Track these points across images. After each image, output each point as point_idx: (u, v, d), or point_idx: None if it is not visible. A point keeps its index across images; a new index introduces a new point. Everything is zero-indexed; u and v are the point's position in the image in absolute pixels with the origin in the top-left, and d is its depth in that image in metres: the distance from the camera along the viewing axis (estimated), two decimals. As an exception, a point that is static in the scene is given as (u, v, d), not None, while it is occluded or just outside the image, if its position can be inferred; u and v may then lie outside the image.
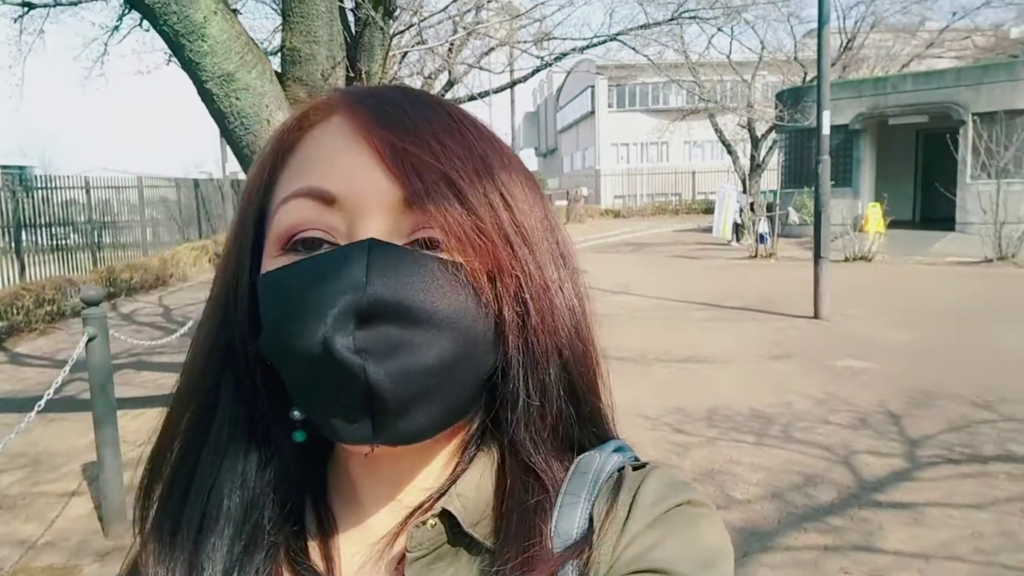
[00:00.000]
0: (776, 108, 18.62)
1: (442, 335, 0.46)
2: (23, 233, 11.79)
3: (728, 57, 20.46)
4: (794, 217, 17.28)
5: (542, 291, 0.51)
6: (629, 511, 0.49)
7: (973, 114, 15.85)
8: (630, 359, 6.76)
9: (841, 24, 21.97)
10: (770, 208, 15.64)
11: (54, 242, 12.65)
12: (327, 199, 0.48)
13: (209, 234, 18.55)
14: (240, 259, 0.53)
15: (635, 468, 0.53)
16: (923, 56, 23.77)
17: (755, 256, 14.85)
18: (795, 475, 4.13)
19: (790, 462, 4.33)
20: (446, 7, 7.08)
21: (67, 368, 3.74)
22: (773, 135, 20.40)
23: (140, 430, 5.24)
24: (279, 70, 3.83)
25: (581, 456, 0.54)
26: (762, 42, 20.91)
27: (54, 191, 12.91)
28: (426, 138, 0.49)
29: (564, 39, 9.92)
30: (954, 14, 24.39)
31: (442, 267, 0.47)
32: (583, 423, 0.55)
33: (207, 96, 3.15)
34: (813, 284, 8.60)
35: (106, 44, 6.93)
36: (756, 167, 21.15)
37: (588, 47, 9.92)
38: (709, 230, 18.63)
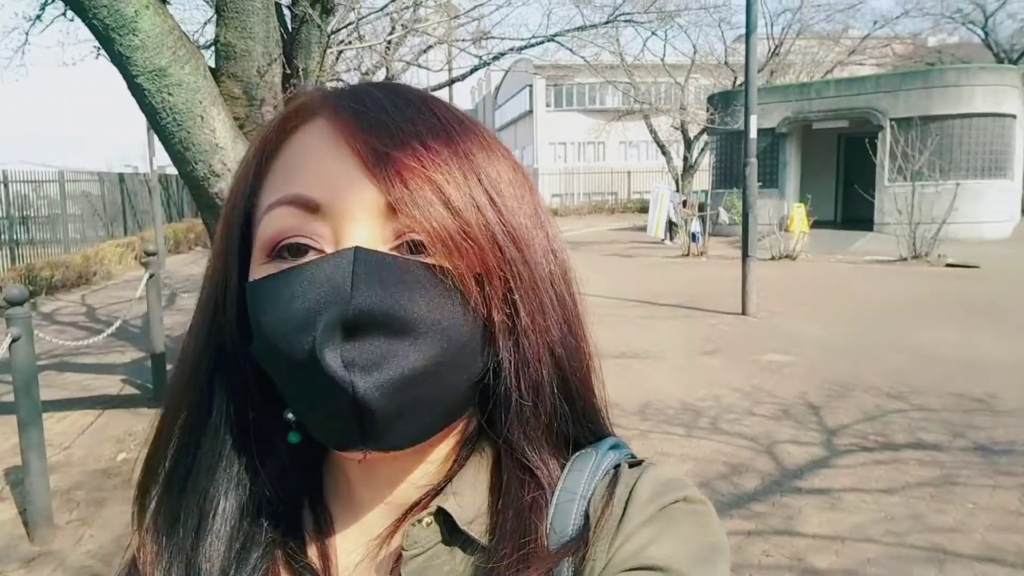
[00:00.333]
0: (707, 111, 19.15)
1: (429, 342, 0.46)
2: (-67, 229, 11.20)
3: (662, 60, 20.92)
4: (724, 217, 17.79)
5: (532, 291, 0.50)
6: (625, 508, 0.49)
7: (891, 119, 16.64)
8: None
9: (769, 31, 22.72)
10: (702, 208, 16.08)
11: (-32, 238, 12.05)
12: (311, 207, 0.48)
13: (135, 230, 17.96)
14: (228, 263, 0.53)
15: (631, 465, 0.53)
16: (846, 63, 24.81)
17: (687, 254, 15.25)
18: (722, 465, 4.31)
19: (717, 452, 4.51)
20: (384, 6, 7.06)
21: (-12, 369, 3.61)
22: (705, 137, 20.96)
23: (66, 433, 5.08)
24: (213, 65, 3.78)
25: (577, 454, 0.54)
26: (694, 46, 21.50)
27: (-33, 185, 12.30)
28: (410, 141, 0.48)
29: (502, 39, 10.02)
30: (875, 23, 25.45)
31: (428, 272, 0.47)
32: (577, 420, 0.55)
33: (138, 92, 3.09)
34: (741, 282, 8.91)
35: (27, 34, 6.64)
36: (689, 168, 21.69)
37: (526, 47, 10.04)
38: (644, 229, 19.03)
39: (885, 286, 10.97)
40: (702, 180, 22.84)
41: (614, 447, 0.55)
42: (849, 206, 19.50)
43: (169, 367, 6.20)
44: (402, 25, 7.25)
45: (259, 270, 0.50)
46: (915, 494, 3.89)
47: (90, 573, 3.32)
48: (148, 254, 6.20)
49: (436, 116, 0.51)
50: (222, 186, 3.38)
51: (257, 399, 0.54)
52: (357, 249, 0.46)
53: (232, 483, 0.53)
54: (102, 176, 17.53)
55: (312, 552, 0.54)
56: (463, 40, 9.81)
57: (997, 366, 6.28)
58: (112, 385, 6.42)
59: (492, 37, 9.72)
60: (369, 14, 6.85)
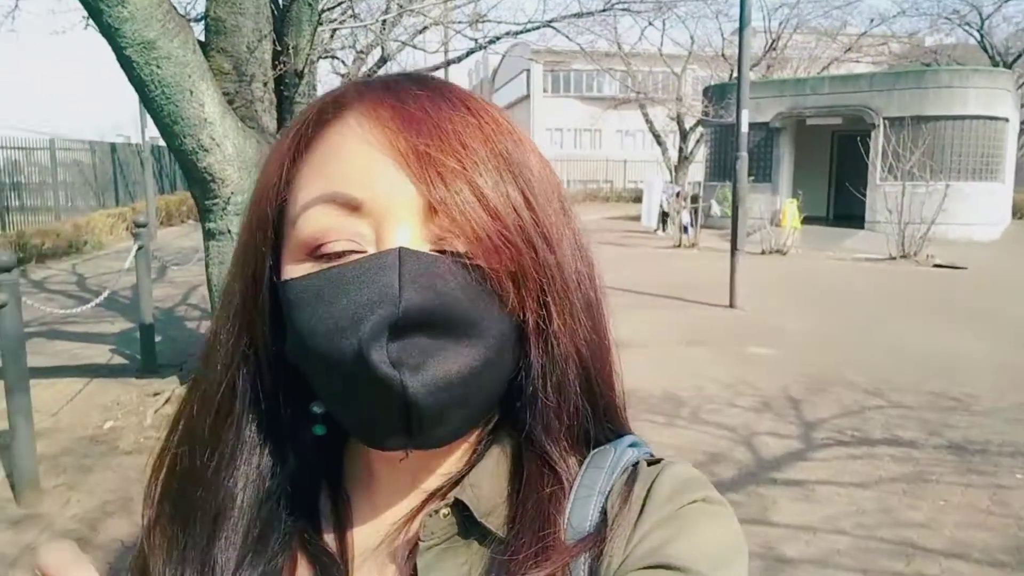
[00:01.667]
0: (703, 103, 19.14)
1: (472, 342, 0.47)
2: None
3: (659, 50, 20.87)
4: (716, 209, 17.79)
5: (563, 293, 0.51)
6: (643, 506, 0.49)
7: (884, 118, 16.67)
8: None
9: (767, 24, 22.71)
10: (694, 199, 16.11)
11: (-44, 204, 11.98)
12: (352, 205, 0.48)
13: (128, 201, 17.86)
14: (259, 258, 0.53)
15: (650, 464, 0.53)
16: (842, 60, 24.79)
17: (679, 246, 15.30)
18: (701, 454, 4.37)
19: (697, 442, 4.57)
20: (380, -16, 7.02)
21: (-26, 336, 3.62)
22: (700, 129, 20.97)
23: (53, 400, 5.09)
24: (203, 40, 3.78)
25: (596, 450, 0.54)
26: (692, 37, 21.54)
27: (-44, 150, 12.20)
28: (449, 140, 0.48)
29: (499, 22, 9.97)
30: (872, 20, 25.45)
31: (469, 274, 0.47)
32: (598, 418, 0.55)
33: (127, 63, 3.09)
34: (729, 274, 8.96)
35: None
36: (684, 159, 21.72)
37: (522, 32, 10.00)
38: (638, 218, 19.06)
39: (872, 284, 11.05)
40: (697, 172, 22.87)
41: (633, 445, 0.55)
42: (841, 203, 19.56)
43: (158, 339, 6.20)
44: (398, 5, 7.21)
45: (296, 268, 0.50)
46: (888, 489, 3.95)
47: (76, 536, 3.35)
48: (138, 225, 6.18)
49: (472, 113, 0.51)
50: (210, 160, 3.39)
51: (283, 394, 0.54)
52: (402, 250, 0.46)
53: (252, 476, 0.54)
54: (93, 145, 17.41)
55: (329, 536, 0.55)
56: (459, 22, 9.77)
57: (976, 367, 6.36)
58: (100, 354, 6.43)
59: (488, 20, 9.68)
60: (364, -8, 6.81)
